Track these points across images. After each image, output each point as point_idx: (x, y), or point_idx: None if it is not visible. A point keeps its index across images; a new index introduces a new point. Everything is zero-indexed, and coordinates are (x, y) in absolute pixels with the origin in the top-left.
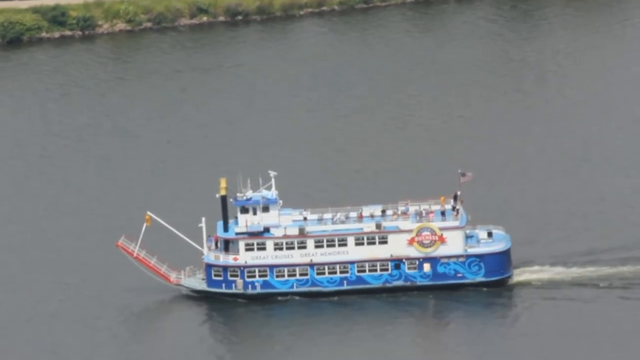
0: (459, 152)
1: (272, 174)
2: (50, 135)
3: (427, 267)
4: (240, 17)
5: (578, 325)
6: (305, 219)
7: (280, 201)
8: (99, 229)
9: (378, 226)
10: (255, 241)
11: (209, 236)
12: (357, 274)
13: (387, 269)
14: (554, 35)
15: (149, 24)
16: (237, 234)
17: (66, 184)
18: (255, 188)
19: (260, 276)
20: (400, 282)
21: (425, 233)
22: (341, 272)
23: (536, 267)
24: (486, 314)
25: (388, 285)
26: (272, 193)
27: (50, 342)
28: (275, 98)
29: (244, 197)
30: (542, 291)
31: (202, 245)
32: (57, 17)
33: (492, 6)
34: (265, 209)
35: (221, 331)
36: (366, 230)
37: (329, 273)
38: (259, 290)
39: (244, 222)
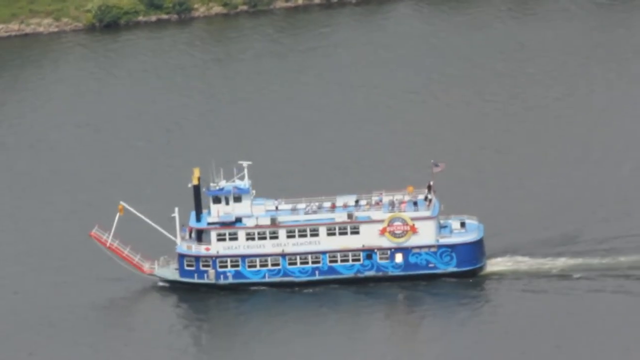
0: (442, 142)
1: (245, 163)
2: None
3: (399, 257)
4: (335, 0)
5: (550, 316)
6: (276, 208)
7: (253, 191)
8: (72, 218)
9: (350, 216)
10: (227, 231)
11: (182, 226)
12: (329, 264)
13: (359, 259)
14: None
15: (244, 7)
16: (209, 224)
17: (63, 169)
18: (228, 178)
19: (232, 266)
20: (372, 273)
21: (396, 223)
22: (313, 262)
23: (510, 258)
24: (457, 304)
25: (360, 275)
26: (245, 183)
27: (22, 331)
28: (318, 84)
29: (217, 187)
30: (515, 282)
31: (175, 236)
32: (153, 0)
33: None
34: (237, 199)
35: (193, 321)
36: (338, 220)
37: (301, 263)
38: (230, 280)
39: (216, 212)
